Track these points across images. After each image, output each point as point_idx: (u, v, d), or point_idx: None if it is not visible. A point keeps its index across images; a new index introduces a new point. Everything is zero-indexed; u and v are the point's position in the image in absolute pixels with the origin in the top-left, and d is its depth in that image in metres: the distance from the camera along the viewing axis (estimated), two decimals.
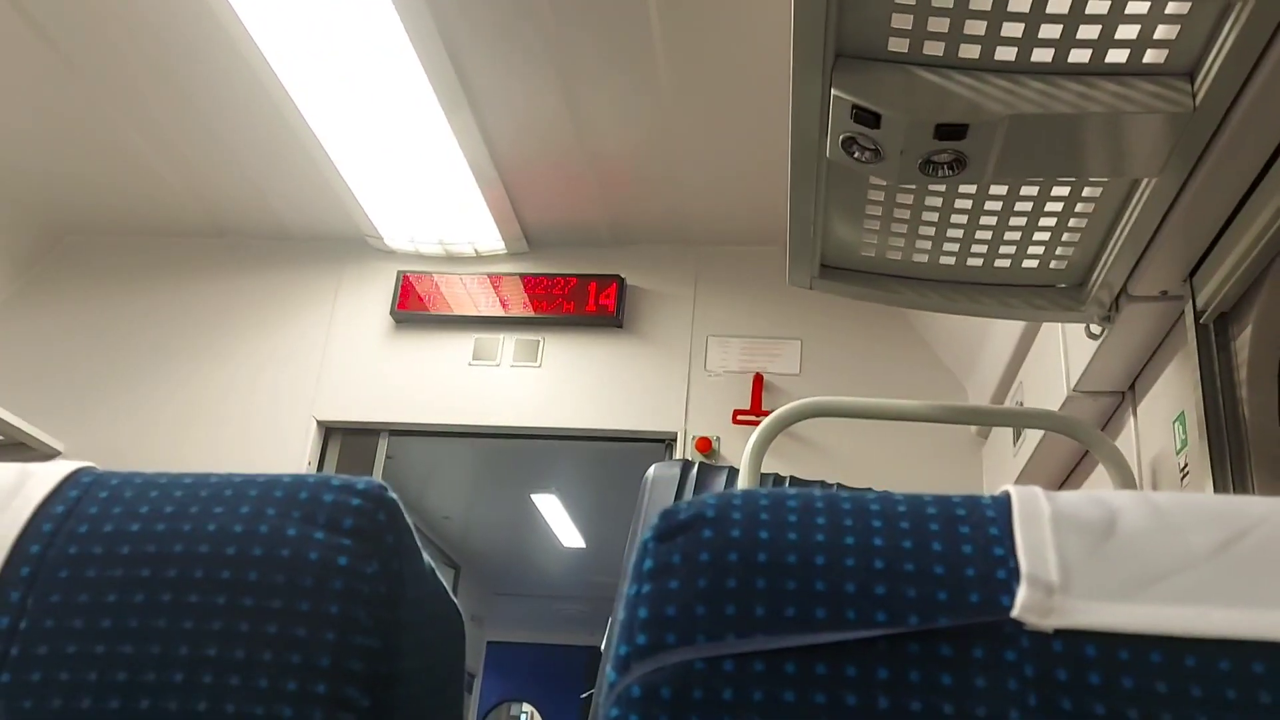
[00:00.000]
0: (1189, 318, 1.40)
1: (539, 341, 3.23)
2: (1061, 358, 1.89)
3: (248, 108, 2.78)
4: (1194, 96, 1.07)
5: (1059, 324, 1.94)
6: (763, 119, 2.61)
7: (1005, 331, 2.30)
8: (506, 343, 3.24)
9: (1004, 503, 0.40)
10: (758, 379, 3.08)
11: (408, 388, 3.19)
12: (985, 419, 2.51)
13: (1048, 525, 0.39)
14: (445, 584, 0.52)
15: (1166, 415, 1.58)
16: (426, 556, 0.49)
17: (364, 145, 2.88)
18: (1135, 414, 1.75)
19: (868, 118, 1.13)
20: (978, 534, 0.39)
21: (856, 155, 1.20)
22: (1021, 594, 0.37)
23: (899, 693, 0.36)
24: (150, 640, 0.41)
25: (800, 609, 0.37)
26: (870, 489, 0.50)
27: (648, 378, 3.15)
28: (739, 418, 3.02)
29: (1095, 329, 1.62)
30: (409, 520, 0.46)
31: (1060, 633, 0.37)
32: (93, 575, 0.43)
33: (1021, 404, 2.22)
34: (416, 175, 3.01)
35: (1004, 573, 0.38)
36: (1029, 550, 0.38)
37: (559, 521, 5.25)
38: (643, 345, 3.20)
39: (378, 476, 2.83)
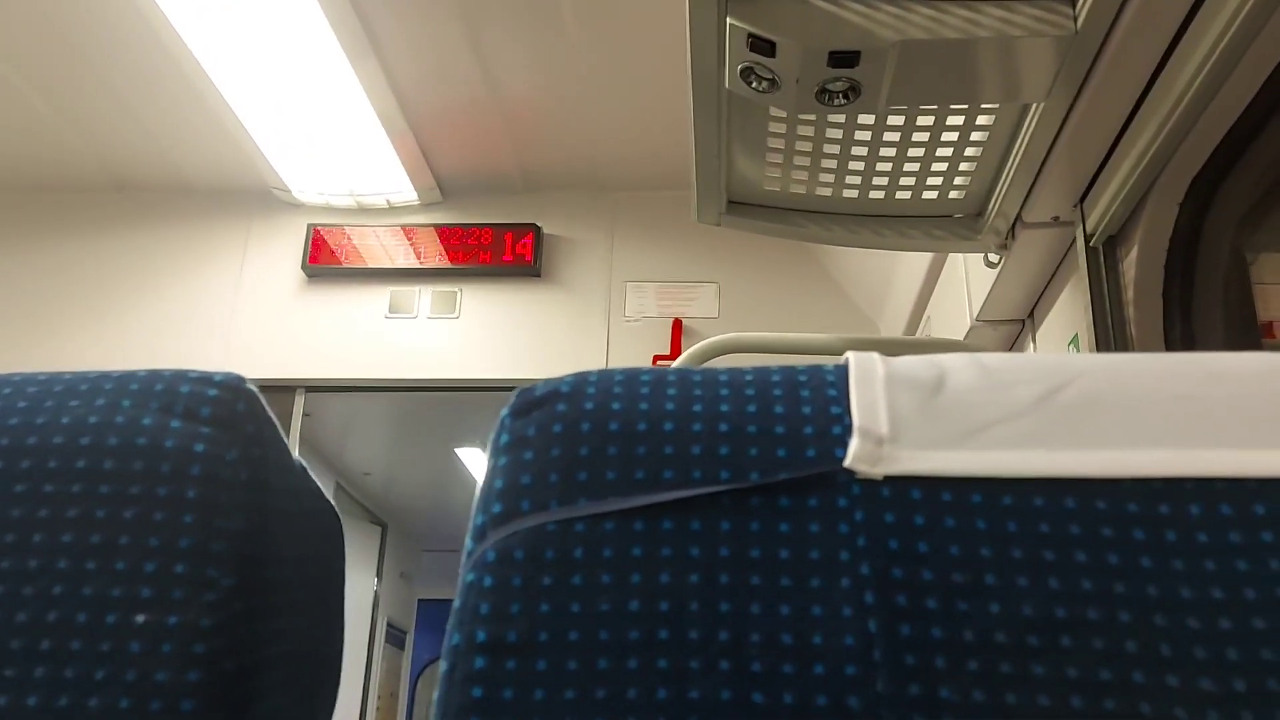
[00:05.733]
0: (1079, 242, 1.45)
1: (456, 293, 3.20)
2: (964, 290, 1.94)
3: (142, 57, 2.69)
4: (1075, 20, 1.10)
5: (962, 258, 2.00)
6: (671, 63, 2.60)
7: (912, 268, 2.35)
8: (423, 295, 3.20)
9: (843, 368, 0.43)
10: (676, 324, 3.10)
11: (323, 343, 3.15)
12: (892, 349, 2.54)
13: (881, 384, 0.41)
14: (319, 484, 0.52)
15: (1062, 339, 1.63)
16: (297, 456, 0.49)
17: (267, 96, 2.80)
18: (1034, 341, 1.81)
19: (763, 46, 1.14)
20: (817, 396, 0.41)
21: (755, 85, 1.21)
22: (853, 446, 0.40)
23: (740, 542, 0.38)
24: (4, 530, 0.41)
25: (649, 471, 0.39)
26: None
27: (567, 326, 3.15)
28: (659, 363, 3.04)
29: (993, 258, 1.67)
30: (271, 413, 0.47)
31: (889, 479, 0.39)
32: None
33: (930, 337, 2.27)
34: (324, 126, 2.94)
35: (839, 429, 0.41)
36: (862, 407, 0.41)
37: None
38: (561, 293, 3.20)
39: (295, 434, 2.79)
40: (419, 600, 6.49)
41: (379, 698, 5.35)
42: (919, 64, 1.15)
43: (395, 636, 5.93)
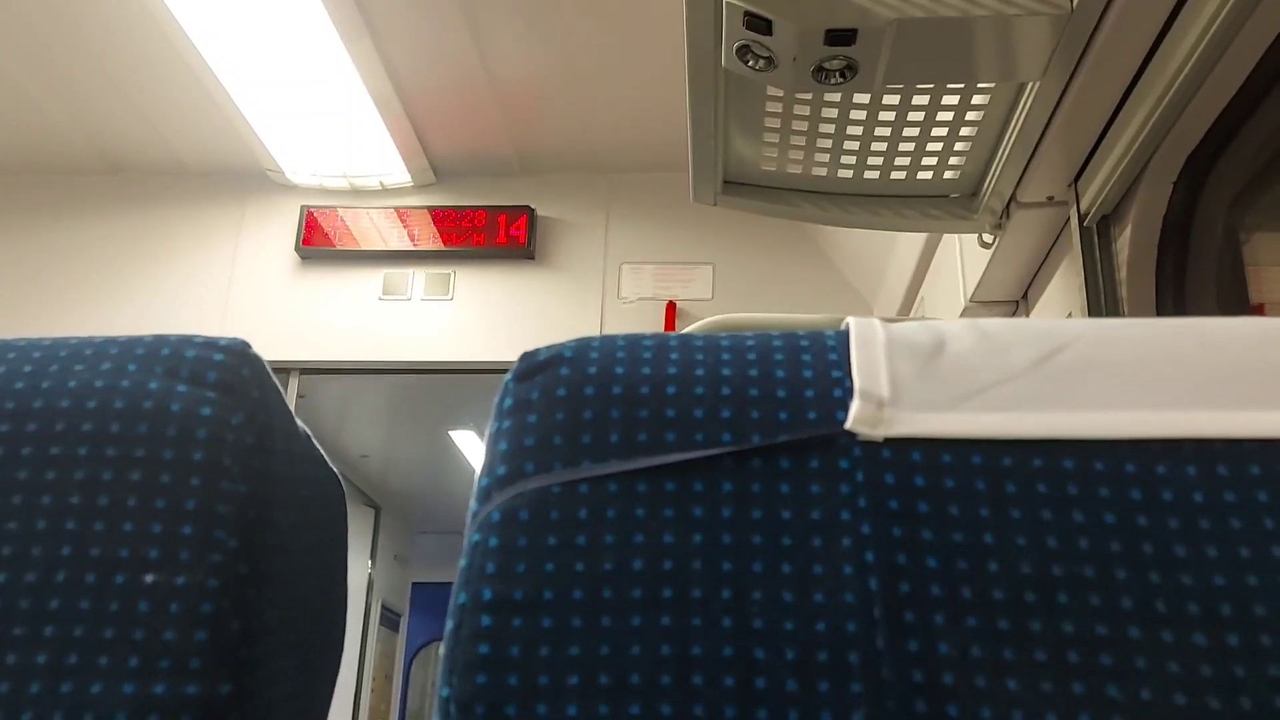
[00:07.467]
0: (1074, 221, 1.45)
1: (450, 275, 3.20)
2: (959, 271, 1.95)
3: (136, 39, 2.67)
4: None
5: (956, 239, 2.00)
6: (667, 43, 2.59)
7: (907, 249, 2.36)
8: (417, 277, 3.20)
9: (844, 333, 0.43)
10: (670, 306, 3.10)
11: (317, 325, 3.14)
12: None
13: (881, 348, 0.42)
14: (322, 452, 0.52)
15: (1056, 319, 1.64)
16: (301, 423, 0.49)
17: (261, 77, 2.79)
18: None
19: (759, 24, 1.14)
20: (818, 360, 0.42)
21: (751, 64, 1.21)
22: (854, 408, 0.40)
23: (742, 502, 0.38)
24: (12, 492, 0.42)
25: (652, 434, 0.40)
26: None
27: (562, 308, 3.15)
28: None
29: (987, 238, 1.67)
30: (276, 380, 0.47)
31: (889, 441, 0.40)
32: None
33: (923, 318, 2.28)
34: (317, 107, 2.93)
35: (840, 392, 0.41)
36: (863, 370, 0.41)
37: (479, 457, 5.24)
38: (555, 275, 3.19)
39: None
40: (413, 583, 6.50)
41: (373, 680, 5.37)
42: (916, 42, 1.15)
43: (390, 619, 5.94)
